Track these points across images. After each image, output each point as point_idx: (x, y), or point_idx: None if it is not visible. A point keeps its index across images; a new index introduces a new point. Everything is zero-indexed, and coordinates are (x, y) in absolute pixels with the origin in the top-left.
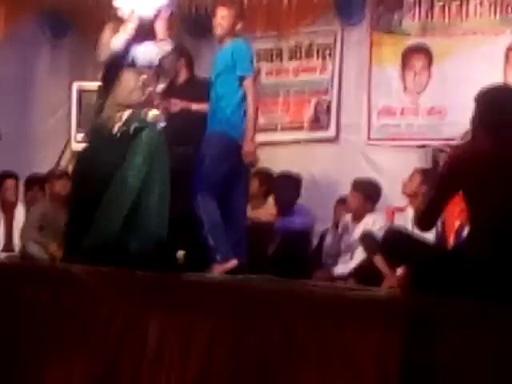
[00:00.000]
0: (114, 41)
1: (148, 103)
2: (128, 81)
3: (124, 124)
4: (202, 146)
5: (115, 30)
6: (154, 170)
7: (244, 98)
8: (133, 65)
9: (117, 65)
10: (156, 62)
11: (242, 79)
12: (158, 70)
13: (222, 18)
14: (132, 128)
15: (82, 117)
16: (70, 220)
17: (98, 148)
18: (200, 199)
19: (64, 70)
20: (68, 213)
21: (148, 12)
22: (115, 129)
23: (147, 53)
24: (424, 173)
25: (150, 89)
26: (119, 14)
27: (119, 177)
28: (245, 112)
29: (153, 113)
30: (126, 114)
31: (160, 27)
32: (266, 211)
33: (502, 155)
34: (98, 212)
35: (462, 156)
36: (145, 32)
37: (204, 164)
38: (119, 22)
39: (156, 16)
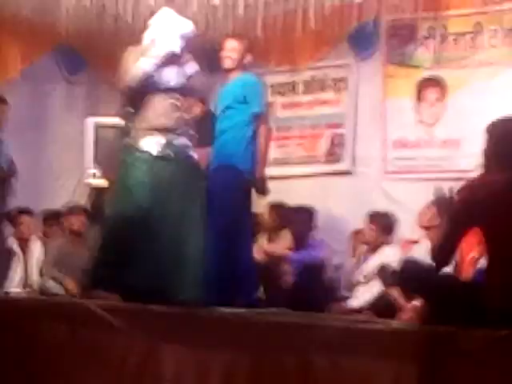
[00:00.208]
0: (141, 65)
1: (176, 128)
2: (156, 104)
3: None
4: (211, 181)
5: (138, 55)
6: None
7: (254, 133)
8: (161, 88)
9: (144, 88)
10: (184, 83)
11: (253, 115)
12: (187, 92)
13: (231, 50)
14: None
15: (97, 152)
16: (101, 255)
17: (129, 178)
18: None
19: (79, 106)
20: (100, 247)
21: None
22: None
23: (174, 75)
24: (439, 205)
25: (178, 114)
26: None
27: (158, 213)
28: (255, 147)
29: (183, 142)
30: (156, 140)
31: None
32: (281, 244)
33: None
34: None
35: (476, 189)
36: (169, 56)
37: (215, 200)
38: (139, 46)
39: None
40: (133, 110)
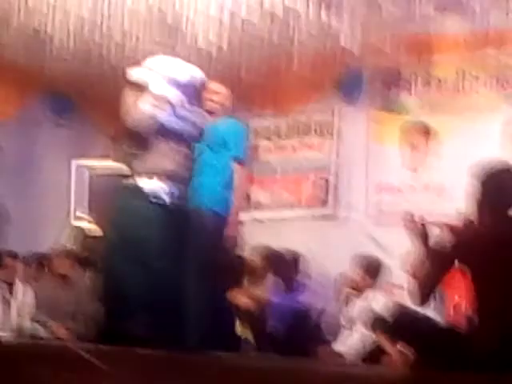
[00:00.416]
0: (142, 106)
1: (182, 174)
2: (158, 148)
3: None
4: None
5: (137, 96)
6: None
7: (232, 177)
8: (162, 132)
9: (146, 131)
10: (190, 130)
11: (233, 159)
12: (192, 138)
13: (215, 92)
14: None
15: (84, 194)
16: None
17: (129, 217)
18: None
19: (66, 148)
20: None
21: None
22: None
23: (179, 120)
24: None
25: (179, 158)
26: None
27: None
28: (231, 191)
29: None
30: (163, 186)
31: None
32: (265, 288)
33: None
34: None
35: (462, 230)
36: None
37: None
38: (137, 87)
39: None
40: (135, 152)
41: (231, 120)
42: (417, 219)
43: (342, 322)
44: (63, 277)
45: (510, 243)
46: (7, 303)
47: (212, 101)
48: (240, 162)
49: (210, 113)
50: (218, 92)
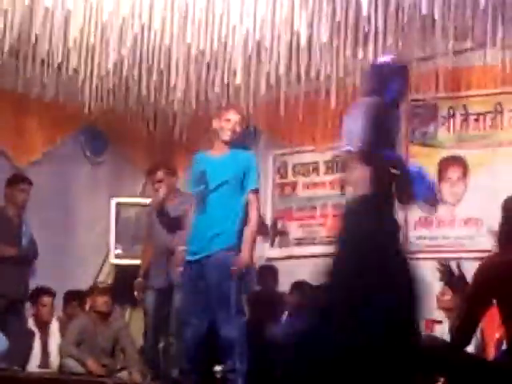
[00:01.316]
0: None
1: None
2: None
3: None
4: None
5: None
6: None
7: (245, 209)
8: None
9: None
10: None
11: (250, 192)
12: None
13: (233, 122)
14: None
15: (120, 232)
16: None
17: None
18: None
19: (102, 186)
20: None
21: None
22: None
23: None
24: (450, 283)
25: None
26: None
27: None
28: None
29: None
30: None
31: None
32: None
33: None
34: None
35: (492, 267)
36: None
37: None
38: None
39: None
40: None
41: (245, 151)
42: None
43: None
44: (101, 314)
45: None
46: (45, 341)
47: (231, 130)
48: (255, 192)
49: (227, 143)
50: (236, 122)
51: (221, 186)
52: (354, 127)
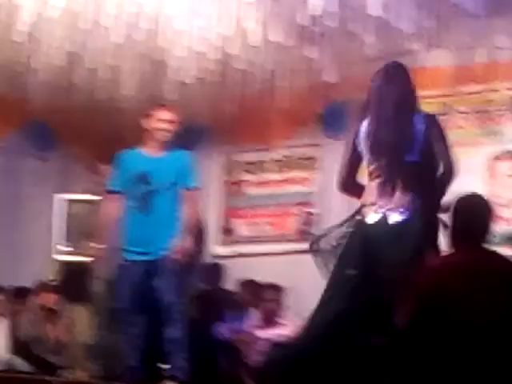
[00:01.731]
0: None
1: None
2: None
3: None
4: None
5: None
6: None
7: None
8: None
9: None
10: None
11: (190, 190)
12: None
13: (167, 121)
14: None
15: (68, 228)
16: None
17: None
18: None
19: (50, 182)
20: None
21: None
22: None
23: None
24: None
25: None
26: None
27: None
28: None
29: None
30: None
31: None
32: (249, 322)
33: (481, 268)
34: None
35: (447, 268)
36: None
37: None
38: None
39: None
40: None
41: (182, 151)
42: None
43: None
44: (49, 311)
45: (483, 275)
46: None
47: (166, 130)
48: (193, 190)
49: (162, 142)
50: (171, 121)
51: (166, 186)
52: None
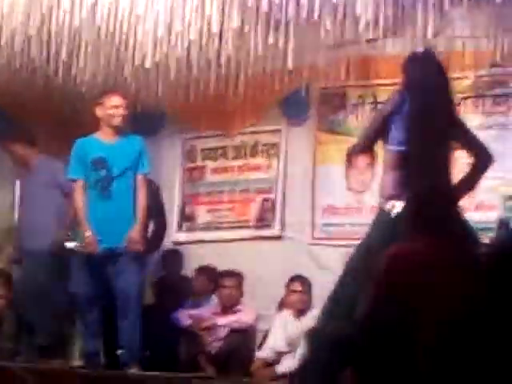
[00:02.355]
0: None
1: None
2: None
3: None
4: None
5: None
6: None
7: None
8: None
9: None
10: None
11: (143, 176)
12: None
13: (119, 107)
14: None
15: None
16: None
17: None
18: None
19: (7, 168)
20: None
21: None
22: None
23: None
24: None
25: None
26: None
27: None
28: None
29: None
30: None
31: None
32: (208, 309)
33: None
34: None
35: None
36: None
37: None
38: None
39: None
40: None
41: (135, 136)
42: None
43: (284, 343)
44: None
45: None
46: None
47: (119, 116)
48: (145, 175)
49: (117, 127)
50: (122, 106)
51: (124, 172)
52: None
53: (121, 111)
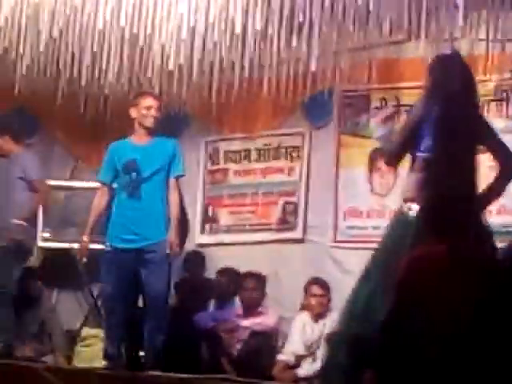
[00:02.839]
0: None
1: None
2: None
3: None
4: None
5: None
6: None
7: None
8: None
9: None
10: None
11: (176, 178)
12: None
13: (153, 108)
14: None
15: (48, 214)
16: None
17: None
18: None
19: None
20: None
21: None
22: None
23: None
24: None
25: None
26: None
27: None
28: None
29: None
30: None
31: None
32: (232, 311)
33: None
34: None
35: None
36: None
37: None
38: None
39: None
40: None
41: (169, 138)
42: None
43: (304, 346)
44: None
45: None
46: None
47: (153, 117)
48: (177, 178)
49: (149, 129)
50: (156, 108)
51: (154, 174)
52: None
53: (153, 112)
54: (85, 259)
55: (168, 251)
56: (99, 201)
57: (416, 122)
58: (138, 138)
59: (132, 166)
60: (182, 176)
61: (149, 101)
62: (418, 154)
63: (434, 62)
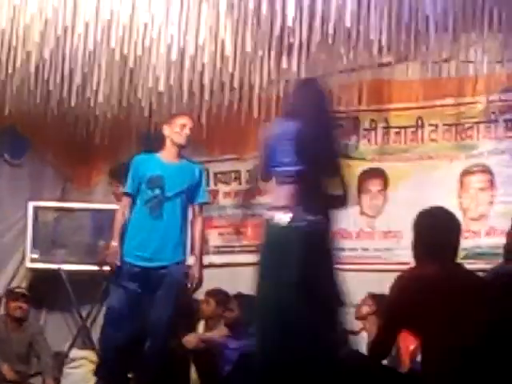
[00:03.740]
0: None
1: None
2: None
3: None
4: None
5: None
6: None
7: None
8: None
9: None
10: None
11: (200, 204)
12: None
13: (187, 127)
14: None
15: (37, 235)
16: None
17: None
18: None
19: (20, 189)
20: None
21: None
22: None
23: None
24: (376, 298)
25: None
26: None
27: None
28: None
29: None
30: None
31: None
32: (218, 332)
33: (445, 282)
34: None
35: (407, 285)
36: None
37: None
38: None
39: None
40: None
41: (196, 163)
42: None
43: None
44: (16, 319)
45: (452, 291)
46: None
47: (187, 135)
48: (202, 205)
49: (181, 146)
50: (189, 127)
51: (177, 195)
52: None
53: (187, 131)
54: (118, 263)
55: (189, 285)
56: (123, 211)
57: (274, 140)
58: (167, 155)
59: (157, 182)
60: (206, 203)
61: (184, 120)
62: (282, 169)
63: (294, 86)
